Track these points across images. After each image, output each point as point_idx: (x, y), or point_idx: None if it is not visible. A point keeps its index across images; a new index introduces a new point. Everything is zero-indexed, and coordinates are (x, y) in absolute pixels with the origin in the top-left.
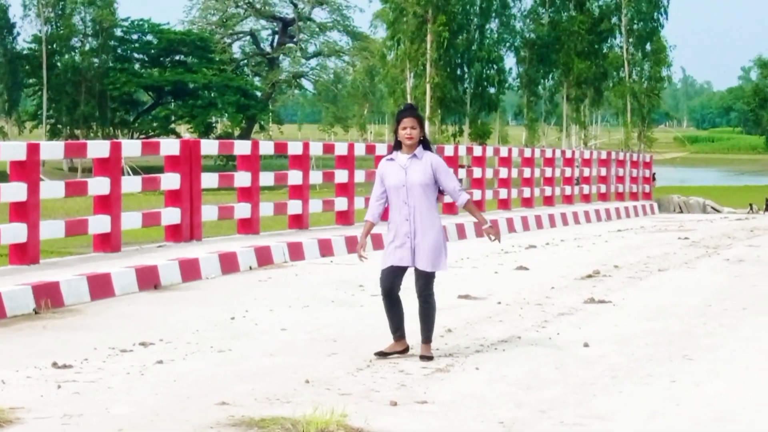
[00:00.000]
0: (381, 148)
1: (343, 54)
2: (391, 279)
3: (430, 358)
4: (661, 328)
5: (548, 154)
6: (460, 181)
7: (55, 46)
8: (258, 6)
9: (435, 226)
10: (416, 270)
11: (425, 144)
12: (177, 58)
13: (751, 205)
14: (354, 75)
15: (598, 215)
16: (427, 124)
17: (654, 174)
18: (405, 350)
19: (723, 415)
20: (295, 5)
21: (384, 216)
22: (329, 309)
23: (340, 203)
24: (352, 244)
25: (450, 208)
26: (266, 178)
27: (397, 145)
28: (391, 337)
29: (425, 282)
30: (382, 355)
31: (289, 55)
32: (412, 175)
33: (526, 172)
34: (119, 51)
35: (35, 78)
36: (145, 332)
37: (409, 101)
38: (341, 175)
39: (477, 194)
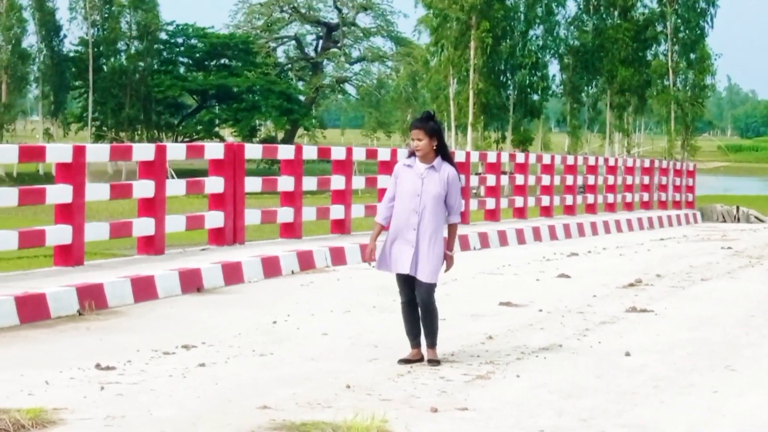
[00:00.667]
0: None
1: (387, 59)
2: (410, 288)
3: (437, 362)
4: (703, 338)
5: (591, 161)
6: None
7: (101, 48)
8: (303, 11)
9: (440, 239)
10: (418, 281)
11: (444, 154)
12: (221, 61)
13: None
14: (397, 80)
15: (640, 223)
16: (469, 130)
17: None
18: (422, 359)
19: (765, 426)
20: (340, 10)
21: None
22: (371, 314)
23: None
24: None
25: (492, 215)
26: (309, 183)
27: (414, 153)
28: (410, 344)
29: (426, 292)
30: (406, 362)
31: (332, 59)
32: (429, 186)
33: (569, 180)
34: (164, 54)
35: (81, 80)
36: (187, 335)
37: (451, 107)
38: (383, 181)
39: (519, 201)
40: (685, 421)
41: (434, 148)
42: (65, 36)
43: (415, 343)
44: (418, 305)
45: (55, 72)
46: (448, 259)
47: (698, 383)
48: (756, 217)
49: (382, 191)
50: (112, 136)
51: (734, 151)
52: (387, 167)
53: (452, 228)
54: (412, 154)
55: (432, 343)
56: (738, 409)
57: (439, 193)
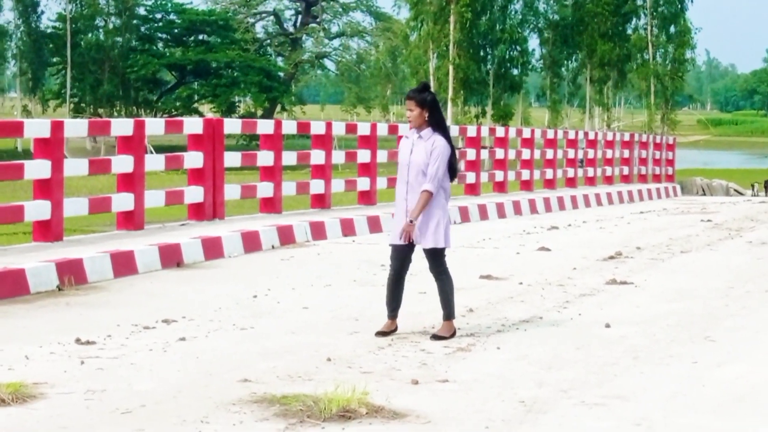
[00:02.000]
0: (403, 128)
1: (366, 34)
2: (401, 259)
3: (442, 337)
4: (682, 310)
5: (571, 135)
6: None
7: (79, 24)
8: None
9: (437, 205)
10: (423, 250)
11: (438, 125)
12: (200, 37)
13: (753, 185)
14: (377, 55)
15: (620, 197)
16: (449, 105)
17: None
18: (396, 329)
19: (744, 396)
20: None
21: None
22: (351, 288)
23: (363, 183)
24: (374, 224)
25: (472, 189)
26: (289, 158)
27: None
28: (387, 314)
29: (433, 259)
30: (383, 334)
31: (312, 35)
32: (415, 155)
33: (549, 154)
34: (142, 30)
35: (59, 57)
36: (167, 309)
37: (431, 82)
38: (364, 155)
39: (499, 175)
40: (664, 391)
41: (426, 119)
42: (43, 12)
43: (392, 314)
44: (432, 274)
45: (32, 48)
46: (407, 228)
47: (678, 354)
48: (735, 190)
49: (362, 166)
50: (91, 113)
51: (714, 125)
52: (367, 142)
53: (421, 194)
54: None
55: (448, 315)
56: (717, 379)
57: (424, 161)
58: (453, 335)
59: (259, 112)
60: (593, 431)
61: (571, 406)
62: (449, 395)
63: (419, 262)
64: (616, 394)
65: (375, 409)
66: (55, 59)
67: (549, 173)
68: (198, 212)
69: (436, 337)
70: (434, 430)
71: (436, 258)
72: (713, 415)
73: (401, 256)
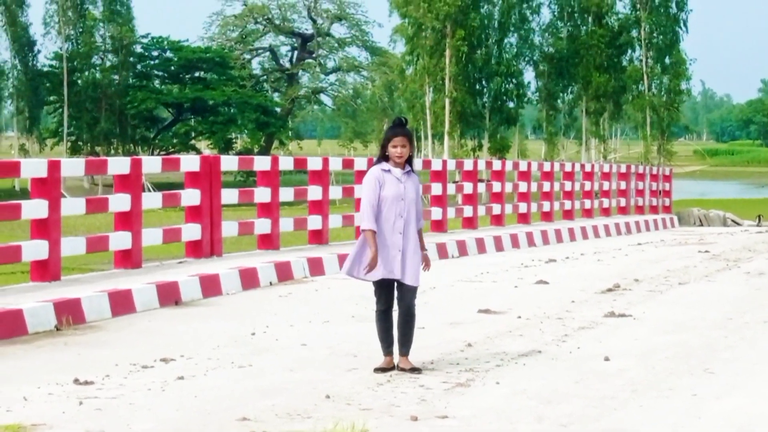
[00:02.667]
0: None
1: (362, 69)
2: (389, 296)
3: (417, 369)
4: (681, 342)
5: (567, 167)
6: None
7: (75, 63)
8: (277, 22)
9: (418, 243)
10: (403, 286)
11: (410, 160)
12: (196, 74)
13: (759, 216)
14: (373, 90)
15: (618, 229)
16: (446, 138)
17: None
18: (395, 366)
19: (743, 428)
20: (314, 21)
21: None
22: (349, 324)
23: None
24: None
25: (469, 223)
26: (286, 194)
27: (384, 158)
28: (383, 351)
29: (411, 296)
30: (382, 370)
31: (308, 70)
32: (409, 191)
33: (546, 186)
34: (139, 68)
35: (56, 95)
36: (166, 348)
37: (427, 116)
38: (361, 190)
39: (497, 208)
40: (664, 424)
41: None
42: (39, 51)
43: (389, 351)
44: (400, 311)
45: (29, 87)
46: (426, 259)
47: (677, 386)
48: (733, 221)
49: (360, 201)
50: (88, 151)
51: (710, 155)
52: (363, 177)
53: (419, 231)
54: (381, 160)
55: (407, 351)
56: (717, 411)
57: (416, 198)
58: None
59: (256, 149)
60: None
61: None
62: (449, 431)
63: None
64: (616, 428)
65: None
66: (51, 98)
67: (546, 206)
68: (196, 250)
69: (413, 370)
70: None
71: (415, 295)
72: None
73: (389, 290)
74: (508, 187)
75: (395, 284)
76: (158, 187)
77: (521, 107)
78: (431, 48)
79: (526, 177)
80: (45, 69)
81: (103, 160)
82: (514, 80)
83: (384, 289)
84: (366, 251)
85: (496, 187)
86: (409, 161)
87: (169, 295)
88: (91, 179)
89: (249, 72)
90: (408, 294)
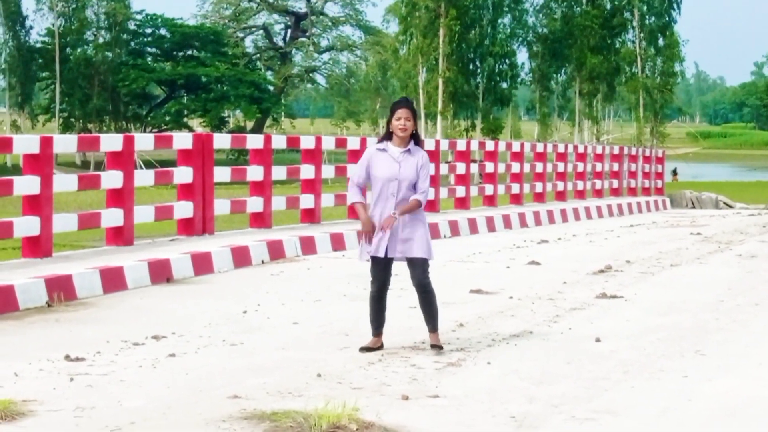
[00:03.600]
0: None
1: (356, 48)
2: (384, 273)
3: (440, 347)
4: (673, 324)
5: (560, 149)
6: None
7: (68, 39)
8: (271, 0)
9: (422, 219)
10: (412, 261)
11: (416, 139)
12: (190, 52)
13: None
14: (366, 69)
15: (610, 210)
16: (439, 118)
17: (675, 169)
18: (381, 346)
19: (735, 411)
20: None
21: None
22: (341, 303)
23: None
24: None
25: (462, 203)
26: (279, 172)
27: (387, 136)
28: (372, 332)
29: (422, 271)
30: (367, 349)
31: (301, 49)
32: (405, 170)
33: (539, 167)
34: (132, 45)
35: (48, 71)
36: (157, 325)
37: (421, 96)
38: (353, 170)
39: (489, 189)
40: (655, 406)
41: (414, 131)
42: (31, 27)
43: (378, 332)
44: (416, 289)
45: (21, 63)
46: (388, 218)
47: (668, 368)
48: (725, 203)
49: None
50: (80, 128)
51: (703, 138)
52: (356, 156)
53: (412, 200)
54: (383, 138)
55: (434, 327)
56: (708, 393)
57: (414, 177)
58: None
59: (249, 126)
60: None
61: (561, 421)
62: (440, 411)
63: (405, 279)
64: (607, 408)
65: (365, 425)
66: (44, 74)
67: (539, 187)
68: (188, 227)
69: (435, 347)
70: None
71: (426, 270)
72: (704, 429)
73: (383, 270)
74: (501, 168)
75: (390, 265)
76: (149, 165)
77: (514, 88)
78: (425, 27)
79: (518, 158)
80: (37, 45)
81: (96, 137)
82: (507, 61)
83: (377, 267)
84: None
85: (489, 167)
86: (416, 140)
87: (160, 272)
88: (83, 156)
89: (242, 50)
90: (417, 269)
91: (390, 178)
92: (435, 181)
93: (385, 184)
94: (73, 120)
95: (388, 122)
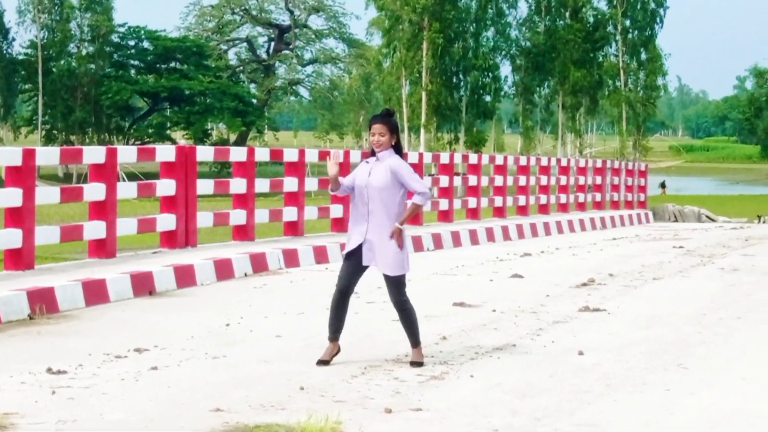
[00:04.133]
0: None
1: (339, 61)
2: (349, 278)
3: (420, 363)
4: (655, 337)
5: (544, 162)
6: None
7: (51, 51)
8: (254, 13)
9: (389, 231)
10: (384, 277)
11: (397, 149)
12: (173, 64)
13: (759, 216)
14: (350, 82)
15: (593, 223)
16: (422, 131)
17: (664, 182)
18: (338, 351)
19: (717, 424)
20: (292, 12)
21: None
22: (324, 316)
23: (336, 210)
24: None
25: (445, 216)
26: (262, 185)
27: (373, 152)
28: (329, 336)
29: (395, 288)
30: (324, 363)
31: (285, 62)
32: (373, 177)
33: (522, 180)
34: (115, 57)
35: (31, 83)
36: (139, 338)
37: (404, 108)
38: None
39: (472, 202)
40: (638, 419)
41: (392, 144)
42: (14, 39)
43: (335, 336)
44: (394, 307)
45: (2, 75)
46: (395, 231)
47: (651, 382)
48: (707, 217)
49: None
50: (63, 140)
51: (686, 151)
52: (340, 169)
53: (411, 205)
54: (370, 154)
55: (415, 343)
56: (690, 407)
57: (381, 185)
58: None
59: (232, 139)
60: None
61: None
62: (423, 424)
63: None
64: (590, 422)
65: None
66: (26, 86)
67: (522, 200)
68: (170, 240)
69: (414, 363)
70: None
71: (400, 287)
72: None
73: (352, 272)
74: (484, 181)
75: (361, 272)
76: (131, 177)
77: (498, 101)
78: (408, 41)
79: (502, 171)
80: (20, 57)
81: (78, 149)
82: (490, 74)
83: (347, 269)
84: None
85: (472, 180)
86: (398, 149)
87: (143, 285)
88: (65, 169)
89: (225, 63)
90: (389, 287)
91: (361, 185)
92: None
93: (359, 192)
94: (55, 132)
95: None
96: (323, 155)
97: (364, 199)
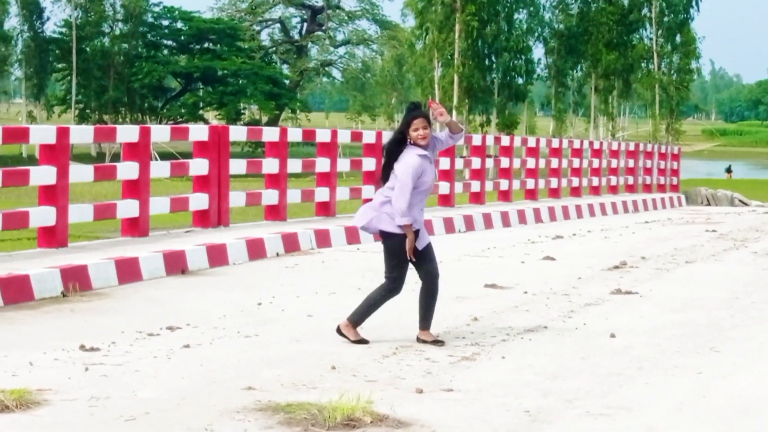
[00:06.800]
0: None
1: (372, 42)
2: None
3: (424, 341)
4: (688, 320)
5: (576, 145)
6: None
7: (85, 31)
8: None
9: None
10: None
11: None
12: (206, 45)
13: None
14: (382, 64)
15: (625, 207)
16: (454, 113)
17: (730, 166)
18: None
19: (749, 408)
20: None
21: None
22: (356, 296)
23: (367, 191)
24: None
25: (477, 198)
26: (294, 165)
27: (404, 140)
28: (419, 325)
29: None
30: (363, 342)
31: (317, 43)
32: (434, 172)
33: (554, 163)
34: (149, 37)
35: (64, 63)
36: (172, 316)
37: (436, 90)
38: (368, 163)
39: (504, 184)
40: (669, 402)
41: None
42: (48, 18)
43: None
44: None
45: (37, 54)
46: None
47: (683, 365)
48: (740, 200)
49: (367, 174)
50: (96, 119)
51: (719, 135)
52: (372, 150)
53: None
54: (401, 141)
55: (425, 324)
56: (723, 390)
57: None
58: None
59: (264, 120)
60: None
61: (576, 416)
62: (454, 405)
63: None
64: (622, 404)
65: (379, 418)
66: (60, 65)
67: (554, 182)
68: (203, 219)
69: (421, 340)
70: None
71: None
72: (719, 427)
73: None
74: (516, 163)
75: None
76: (164, 156)
77: (530, 84)
78: (441, 22)
79: (534, 153)
80: (54, 36)
81: (112, 128)
82: (523, 56)
83: (405, 267)
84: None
85: (504, 162)
86: None
87: (175, 263)
88: (98, 148)
89: (258, 44)
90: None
91: (432, 181)
92: (450, 176)
93: (428, 188)
94: (88, 111)
95: (405, 129)
96: (356, 136)
97: (427, 191)
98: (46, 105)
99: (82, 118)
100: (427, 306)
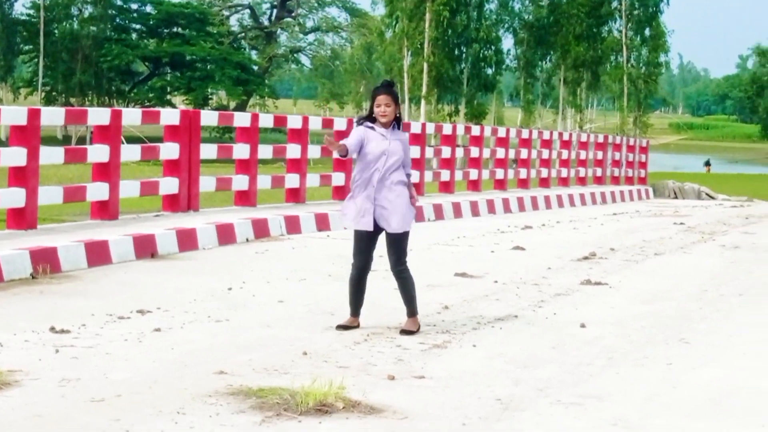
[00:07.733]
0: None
1: (341, 30)
2: (367, 252)
3: (411, 332)
4: (657, 312)
5: (545, 136)
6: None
7: (53, 13)
8: None
9: (405, 193)
10: (389, 239)
11: (399, 123)
12: (175, 30)
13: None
14: (351, 51)
15: (593, 198)
16: (422, 103)
17: (708, 160)
18: (358, 326)
19: (719, 399)
20: None
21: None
22: (326, 282)
23: (338, 178)
24: None
25: (446, 187)
26: (265, 151)
27: (370, 119)
28: (350, 311)
29: (399, 249)
30: (343, 328)
31: (287, 29)
32: (393, 146)
33: (523, 153)
34: (118, 20)
35: (32, 44)
36: (142, 300)
37: (405, 79)
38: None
39: (473, 174)
40: (640, 392)
41: (396, 115)
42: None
43: (356, 312)
44: (393, 274)
45: (4, 35)
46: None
47: (653, 355)
48: (707, 194)
49: (337, 161)
50: (63, 102)
51: (686, 129)
52: (343, 137)
53: (408, 176)
54: (366, 119)
55: (411, 312)
56: (692, 381)
57: (400, 155)
58: (419, 329)
59: (232, 105)
60: (570, 430)
61: (547, 405)
62: (426, 391)
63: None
64: (592, 393)
65: (352, 404)
66: (27, 47)
67: (523, 173)
68: (173, 203)
69: (405, 332)
70: (411, 426)
71: (403, 249)
72: (689, 417)
73: (365, 247)
74: (486, 153)
75: (374, 242)
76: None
77: (499, 74)
78: (411, 11)
79: (503, 143)
80: (22, 17)
81: (83, 110)
82: (492, 47)
83: (360, 244)
84: (349, 204)
85: (474, 152)
86: (397, 123)
87: (145, 247)
88: (64, 131)
89: (227, 29)
90: (394, 247)
91: (379, 153)
92: (420, 164)
93: (374, 158)
94: (55, 94)
95: (371, 107)
96: (327, 123)
97: (381, 164)
98: (13, 87)
99: (48, 101)
100: (405, 296)
